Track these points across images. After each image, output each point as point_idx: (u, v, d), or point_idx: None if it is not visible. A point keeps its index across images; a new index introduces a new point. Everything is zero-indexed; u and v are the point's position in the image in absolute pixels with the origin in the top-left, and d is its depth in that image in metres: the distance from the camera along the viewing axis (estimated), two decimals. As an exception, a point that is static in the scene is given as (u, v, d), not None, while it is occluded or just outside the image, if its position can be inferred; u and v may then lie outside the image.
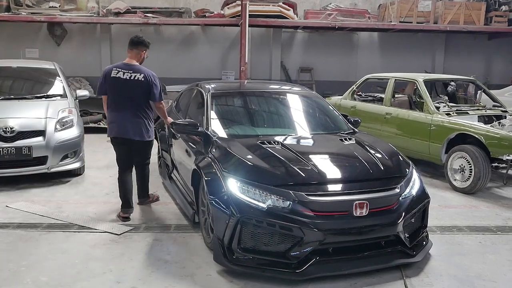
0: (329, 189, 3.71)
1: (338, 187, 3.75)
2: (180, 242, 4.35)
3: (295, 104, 5.38)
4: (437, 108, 6.97)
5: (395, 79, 7.96)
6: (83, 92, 7.29)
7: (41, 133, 6.03)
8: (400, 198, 3.84)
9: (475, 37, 12.84)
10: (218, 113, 4.97)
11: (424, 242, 4.11)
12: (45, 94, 6.81)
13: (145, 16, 11.13)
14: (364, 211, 3.63)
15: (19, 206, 5.24)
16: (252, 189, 3.69)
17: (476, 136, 6.15)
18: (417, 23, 11.39)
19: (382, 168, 4.03)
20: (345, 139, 4.57)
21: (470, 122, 6.46)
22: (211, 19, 11.21)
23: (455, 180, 6.41)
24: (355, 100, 8.71)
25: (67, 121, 6.37)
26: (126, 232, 4.55)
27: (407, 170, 4.16)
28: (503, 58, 13.33)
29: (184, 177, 5.06)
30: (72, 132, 6.32)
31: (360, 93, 9.02)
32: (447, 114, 6.80)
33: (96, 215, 5.04)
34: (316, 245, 3.55)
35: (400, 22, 11.32)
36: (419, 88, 7.35)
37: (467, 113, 6.94)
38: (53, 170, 6.09)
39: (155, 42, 12.35)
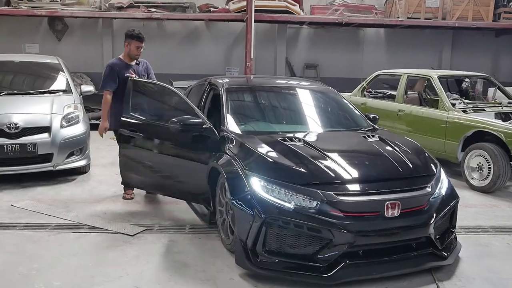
0: (359, 189, 3.52)
1: (367, 186, 3.56)
2: (197, 244, 4.14)
3: (313, 100, 5.17)
4: (453, 105, 6.81)
5: (408, 76, 7.77)
6: (88, 88, 7.07)
7: (46, 129, 5.81)
8: (431, 198, 3.67)
9: (483, 34, 12.67)
10: (234, 109, 4.75)
11: (454, 244, 3.93)
12: (50, 90, 6.59)
13: (148, 10, 10.91)
14: (396, 212, 3.45)
15: (24, 205, 5.02)
16: (277, 188, 3.49)
17: (496, 134, 5.98)
18: (425, 19, 11.21)
19: (411, 167, 3.85)
20: (368, 136, 4.39)
21: (488, 120, 6.29)
22: (216, 14, 11.00)
23: (472, 178, 6.24)
24: (365, 96, 8.53)
25: (73, 117, 6.16)
26: (139, 232, 4.34)
27: (436, 168, 3.98)
28: (510, 55, 13.18)
29: (183, 178, 4.64)
30: (78, 129, 6.10)
31: (370, 89, 8.83)
32: (463, 111, 6.63)
33: (106, 215, 4.83)
34: (346, 248, 3.36)
35: (407, 18, 11.15)
36: (434, 84, 7.16)
37: (484, 110, 6.78)
38: (58, 168, 5.88)
39: (158, 38, 12.21)
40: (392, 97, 8.54)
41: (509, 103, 7.37)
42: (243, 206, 3.54)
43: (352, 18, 11.06)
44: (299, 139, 4.12)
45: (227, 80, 5.24)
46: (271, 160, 3.74)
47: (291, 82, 5.58)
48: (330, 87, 5.48)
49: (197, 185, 4.45)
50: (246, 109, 4.97)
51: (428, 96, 8.46)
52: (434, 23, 11.28)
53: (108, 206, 5.11)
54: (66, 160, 5.93)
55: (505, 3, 11.53)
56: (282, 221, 3.38)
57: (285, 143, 4.03)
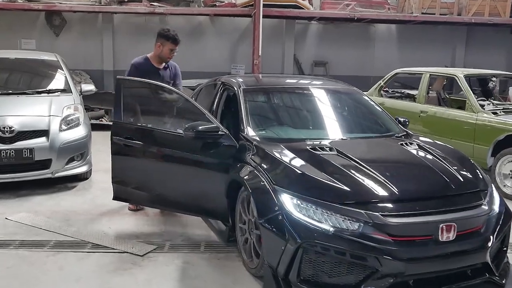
0: (409, 208, 3.04)
1: (418, 205, 3.08)
2: (215, 265, 3.67)
3: (339, 102, 4.70)
4: (481, 106, 6.34)
5: (430, 74, 7.29)
6: (89, 87, 6.56)
7: (44, 133, 5.31)
8: (487, 217, 3.20)
9: (497, 30, 12.23)
10: (254, 112, 4.26)
11: (508, 267, 3.47)
12: (48, 89, 6.08)
13: (151, 5, 10.39)
14: (451, 235, 2.99)
15: (20, 218, 4.53)
16: (312, 207, 3.02)
17: (534, 139, 5.53)
18: (440, 14, 10.75)
19: (462, 181, 3.38)
20: (406, 144, 3.91)
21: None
22: (222, 8, 10.50)
23: (504, 186, 5.78)
24: (382, 96, 8.05)
25: (73, 119, 5.66)
26: (149, 252, 3.86)
27: (487, 182, 3.51)
28: (525, 52, 12.77)
29: (195, 192, 4.11)
30: (79, 132, 5.61)
31: (387, 89, 8.36)
32: (493, 113, 6.17)
33: (111, 230, 4.34)
34: (395, 279, 2.88)
35: (422, 13, 10.67)
36: (460, 84, 6.68)
37: (515, 111, 6.32)
38: (57, 175, 5.38)
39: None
40: (409, 97, 8.11)
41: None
42: (273, 228, 3.07)
43: (364, 14, 10.58)
44: (331, 148, 3.64)
45: (243, 79, 4.75)
46: (304, 174, 3.25)
47: (313, 82, 5.07)
48: (355, 88, 5.00)
49: (212, 199, 3.97)
50: (267, 113, 4.48)
51: (447, 96, 8.06)
52: (449, 19, 10.82)
53: (112, 219, 4.63)
54: (66, 167, 5.43)
55: (523, -2, 11.06)
56: (321, 247, 2.91)
57: (316, 152, 3.55)
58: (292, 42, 11.77)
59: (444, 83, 8.04)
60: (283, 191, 3.13)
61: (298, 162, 3.39)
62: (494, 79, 7.49)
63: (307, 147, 3.64)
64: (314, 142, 3.80)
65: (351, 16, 10.46)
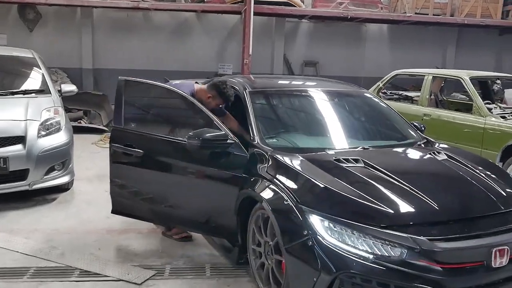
0: (457, 231, 2.64)
1: (466, 227, 2.69)
2: (225, 295, 3.20)
3: (353, 106, 4.28)
4: (489, 109, 6.05)
5: (433, 76, 6.97)
6: (70, 87, 5.97)
7: (20, 139, 4.71)
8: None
9: (487, 32, 12.11)
10: (264, 118, 3.81)
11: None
12: (24, 90, 5.46)
13: (134, -1, 9.81)
14: (504, 260, 2.62)
15: (-6, 239, 3.96)
16: (347, 230, 2.59)
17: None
18: (433, 15, 10.51)
19: (506, 196, 3.00)
20: (434, 153, 3.51)
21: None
22: (210, 4, 10.00)
23: (517, 194, 5.47)
24: (380, 98, 7.69)
25: (53, 123, 5.07)
26: (148, 279, 3.36)
27: None
28: (514, 54, 12.70)
29: (200, 207, 3.66)
30: (60, 138, 5.02)
31: (385, 90, 8.02)
32: (502, 117, 5.89)
33: (101, 252, 3.81)
34: (447, 314, 2.48)
35: (415, 13, 10.41)
36: (466, 86, 6.38)
37: (524, 116, 6.05)
38: (35, 186, 4.79)
39: (144, 30, 11.17)
40: (407, 99, 7.79)
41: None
42: (301, 256, 2.64)
43: (358, 13, 10.25)
44: (356, 159, 3.20)
45: (246, 81, 4.27)
46: (334, 191, 2.80)
47: (323, 84, 4.63)
48: (369, 91, 4.60)
49: (220, 216, 3.52)
50: (278, 119, 4.01)
51: (445, 98, 7.79)
52: (442, 19, 10.62)
53: (101, 238, 4.10)
54: (45, 177, 4.84)
55: (515, 0, 10.96)
56: (361, 279, 2.48)
57: (342, 165, 3.12)
58: (282, 41, 11.36)
59: (442, 85, 7.75)
60: (311, 211, 2.69)
61: (325, 177, 2.94)
62: (498, 81, 7.22)
63: (331, 159, 3.20)
64: (336, 152, 3.37)
65: (344, 15, 10.11)
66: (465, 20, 10.63)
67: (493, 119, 5.87)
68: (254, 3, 9.16)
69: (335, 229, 2.61)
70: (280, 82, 4.86)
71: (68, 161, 5.11)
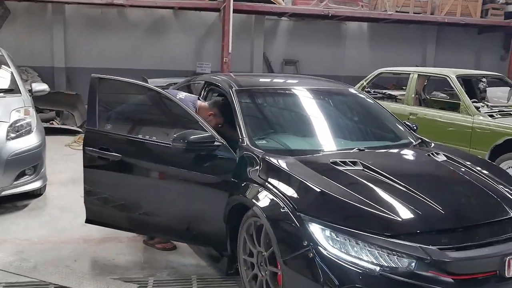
0: (468, 238, 2.47)
1: (477, 234, 2.51)
2: (215, 309, 2.96)
3: (345, 106, 4.10)
4: (477, 108, 5.97)
5: (419, 74, 6.86)
6: (41, 86, 5.62)
7: (-13, 142, 4.38)
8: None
9: (466, 30, 12.17)
10: (253, 118, 3.59)
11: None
12: (-9, 89, 5.11)
13: (109, -5, 9.44)
14: None
15: (-42, 251, 3.62)
16: (351, 240, 2.38)
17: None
18: (413, 13, 10.47)
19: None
20: (433, 154, 3.34)
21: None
22: (188, 1, 9.72)
23: (505, 194, 5.40)
24: (367, 97, 7.57)
25: (24, 125, 4.73)
26: (130, 294, 3.09)
27: None
28: (492, 53, 12.81)
29: (185, 214, 3.41)
30: (31, 141, 4.68)
31: (369, 89, 7.88)
32: (490, 116, 5.80)
33: (77, 264, 3.52)
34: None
35: (396, 11, 10.35)
36: (453, 84, 6.28)
37: (511, 114, 5.98)
38: (5, 193, 4.46)
39: (119, 28, 10.81)
40: (391, 98, 7.69)
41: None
42: (301, 268, 2.43)
43: (339, 11, 10.12)
44: (355, 162, 3.01)
45: (232, 79, 4.02)
46: (335, 197, 2.60)
47: (313, 82, 4.43)
48: (360, 90, 4.42)
49: (207, 223, 3.29)
50: (268, 119, 3.78)
51: (428, 97, 7.73)
52: (423, 17, 10.60)
53: (77, 248, 3.81)
54: (16, 183, 4.50)
55: (493, -1, 11.03)
56: (368, 293, 2.27)
57: (340, 168, 2.91)
58: (261, 39, 11.16)
59: (425, 83, 7.67)
60: (311, 220, 2.47)
61: (323, 182, 2.73)
62: (484, 80, 7.16)
63: (329, 162, 2.99)
64: (331, 154, 3.17)
65: (325, 12, 9.97)
66: (445, 18, 10.65)
67: (481, 118, 5.79)
68: (234, 0, 8.91)
69: (337, 238, 2.40)
70: (267, 80, 4.64)
71: (40, 165, 4.78)
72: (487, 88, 8.92)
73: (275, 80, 4.61)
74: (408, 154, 3.45)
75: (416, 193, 2.66)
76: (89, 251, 3.76)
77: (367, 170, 2.91)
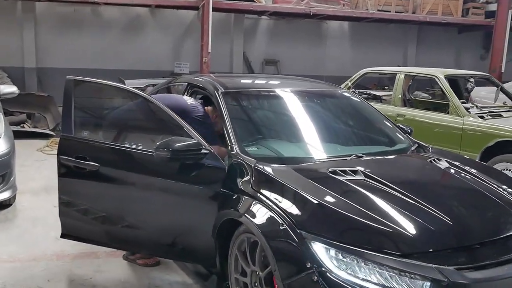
0: (487, 256, 2.26)
1: (495, 251, 2.31)
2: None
3: (338, 109, 3.88)
4: (466, 109, 5.84)
5: (405, 74, 6.71)
6: (10, 88, 5.29)
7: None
8: None
9: (447, 30, 12.17)
10: (241, 123, 3.33)
11: None
12: (-46, 91, 4.73)
13: (82, -8, 9.05)
14: None
15: None
16: (359, 261, 2.15)
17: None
18: (395, 12, 10.37)
19: (524, 208, 2.67)
20: (435, 161, 3.15)
21: (518, 127, 5.37)
22: (165, -1, 9.37)
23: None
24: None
25: (-10, 130, 4.38)
26: (110, 320, 2.80)
27: None
28: (472, 52, 12.87)
29: (170, 229, 3.16)
30: (-2, 147, 4.35)
31: (353, 90, 7.71)
32: (480, 117, 5.68)
33: (50, 283, 3.22)
34: None
35: (378, 10, 10.24)
36: (441, 85, 6.13)
37: (501, 115, 5.88)
38: (-31, 205, 4.11)
39: (93, 26, 10.40)
40: (376, 98, 7.54)
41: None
42: (304, 294, 2.16)
43: (321, 9, 9.93)
44: (355, 171, 2.78)
45: (216, 80, 3.74)
46: (338, 212, 2.36)
47: (303, 84, 4.19)
48: (351, 91, 4.22)
49: (192, 237, 3.03)
50: (257, 124, 3.52)
51: (413, 98, 7.62)
52: (405, 16, 10.53)
53: (51, 265, 3.49)
54: (-18, 194, 4.16)
55: (474, -2, 11.04)
56: (379, 321, 2.05)
57: (340, 178, 2.68)
58: (241, 38, 10.90)
59: (410, 83, 7.55)
60: (314, 238, 2.23)
61: (324, 194, 2.49)
62: (472, 80, 7.06)
63: (327, 171, 2.75)
64: (329, 162, 2.94)
65: (306, 11, 9.77)
66: (427, 17, 10.60)
67: (471, 119, 5.66)
68: (212, -2, 8.65)
69: (343, 259, 2.16)
70: (254, 81, 4.37)
71: (9, 173, 4.43)
72: (474, 87, 8.90)
73: (262, 81, 4.36)
74: (410, 161, 3.25)
75: (426, 206, 2.44)
76: (64, 269, 3.44)
77: (369, 180, 2.68)
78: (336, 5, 10.24)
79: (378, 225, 2.27)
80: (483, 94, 8.01)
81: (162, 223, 3.14)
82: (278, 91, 3.76)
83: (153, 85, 5.76)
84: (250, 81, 4.35)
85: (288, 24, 11.35)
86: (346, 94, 4.09)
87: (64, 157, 3.13)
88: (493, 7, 10.68)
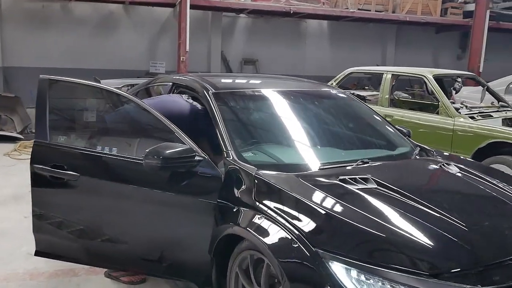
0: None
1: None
2: None
3: (339, 111, 3.65)
4: (456, 109, 5.73)
5: (392, 74, 6.56)
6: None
7: None
8: None
9: (425, 30, 12.20)
10: (237, 127, 3.06)
11: None
12: None
13: (51, -13, 8.57)
14: None
15: None
16: (385, 283, 1.90)
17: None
18: (375, 11, 10.28)
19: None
20: (444, 165, 2.94)
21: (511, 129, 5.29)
22: (140, -5, 8.99)
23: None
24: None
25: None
26: None
27: None
28: (449, 52, 12.95)
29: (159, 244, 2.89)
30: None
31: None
32: (471, 118, 5.57)
33: (22, 309, 2.85)
34: None
35: (358, 9, 10.13)
36: (430, 85, 6.02)
37: (491, 115, 5.79)
38: None
39: (62, 24, 9.89)
40: (360, 99, 7.38)
41: (501, 105, 6.53)
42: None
43: (301, 7, 9.73)
44: (366, 179, 2.54)
45: (206, 80, 3.45)
46: (357, 227, 2.10)
47: (297, 84, 3.95)
48: (344, 91, 4.00)
49: (185, 253, 2.76)
50: (252, 127, 3.25)
51: (396, 97, 7.51)
52: (385, 16, 10.48)
53: (23, 285, 3.13)
54: None
55: (452, -2, 11.09)
56: None
57: (353, 188, 2.43)
58: (219, 37, 10.62)
59: (393, 83, 7.43)
60: (332, 257, 1.97)
61: (339, 207, 2.24)
62: (459, 79, 6.97)
63: (335, 180, 2.50)
64: (335, 169, 2.69)
65: (286, 9, 9.56)
66: (406, 17, 10.59)
67: (462, 119, 5.54)
68: (190, -5, 8.34)
69: (367, 280, 1.92)
70: (245, 81, 4.09)
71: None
72: (452, 88, 8.86)
73: (253, 81, 4.08)
74: (420, 166, 3.02)
75: (451, 218, 2.21)
76: (38, 287, 3.09)
77: (383, 189, 2.44)
78: (316, 4, 10.07)
79: (403, 241, 2.03)
80: (465, 94, 7.97)
81: (149, 237, 2.85)
82: (273, 92, 3.48)
83: (131, 85, 5.41)
84: (240, 81, 4.07)
85: (267, 23, 11.12)
86: (344, 95, 3.86)
87: (39, 166, 2.79)
88: (471, 7, 10.73)
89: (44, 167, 2.79)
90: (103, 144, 2.87)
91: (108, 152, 2.80)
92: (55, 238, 2.99)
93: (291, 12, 9.66)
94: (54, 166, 2.78)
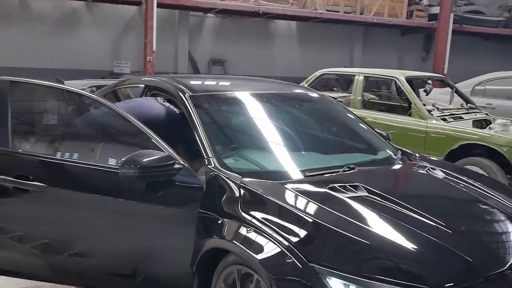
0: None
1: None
2: None
3: (321, 114, 3.55)
4: (428, 111, 5.75)
5: (364, 76, 6.54)
6: None
7: None
8: None
9: (391, 32, 12.36)
10: (216, 132, 2.89)
11: None
12: None
13: (8, -17, 8.11)
14: None
15: None
16: (386, 300, 1.79)
17: (496, 148, 5.00)
18: (344, 12, 10.31)
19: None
20: (430, 170, 2.88)
21: (482, 130, 5.35)
22: (104, -8, 8.65)
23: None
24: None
25: None
26: None
27: None
28: (414, 53, 13.18)
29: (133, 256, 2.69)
30: None
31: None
32: (443, 120, 5.61)
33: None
34: None
35: (326, 10, 10.13)
36: (402, 86, 6.02)
37: (461, 117, 5.85)
38: None
39: (20, 21, 9.38)
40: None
41: (470, 107, 6.62)
42: None
43: (270, 8, 9.63)
44: (356, 186, 2.43)
45: (180, 82, 3.25)
46: (354, 240, 1.99)
47: (276, 86, 3.81)
48: (325, 93, 3.91)
49: (161, 268, 2.58)
50: (233, 132, 3.09)
51: (366, 99, 7.53)
52: (353, 17, 10.53)
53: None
54: None
55: (417, 1, 11.23)
56: None
57: (343, 196, 2.31)
58: (186, 37, 10.38)
59: (363, 84, 7.43)
60: (330, 273, 1.85)
61: (332, 218, 2.11)
62: (430, 81, 7.01)
63: (325, 188, 2.38)
64: (322, 176, 2.58)
65: (255, 9, 9.44)
66: (374, 19, 10.70)
67: (434, 121, 5.56)
68: (156, -8, 8.08)
69: (366, 297, 1.80)
70: (221, 83, 3.92)
71: None
72: (419, 90, 8.96)
73: (229, 83, 3.92)
74: (407, 172, 2.94)
75: (447, 227, 2.13)
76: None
77: (375, 197, 2.34)
78: (285, 4, 10.00)
79: (403, 254, 1.93)
80: (432, 95, 8.07)
81: (123, 250, 2.65)
82: (251, 95, 3.32)
83: (97, 87, 5.14)
84: (215, 83, 3.90)
85: (235, 23, 10.96)
86: (325, 98, 3.76)
87: (0, 176, 2.54)
88: (435, 10, 10.93)
89: (6, 177, 2.54)
90: (74, 152, 2.65)
91: (79, 161, 2.58)
92: (16, 254, 2.75)
93: (260, 12, 9.56)
94: (17, 176, 2.54)
